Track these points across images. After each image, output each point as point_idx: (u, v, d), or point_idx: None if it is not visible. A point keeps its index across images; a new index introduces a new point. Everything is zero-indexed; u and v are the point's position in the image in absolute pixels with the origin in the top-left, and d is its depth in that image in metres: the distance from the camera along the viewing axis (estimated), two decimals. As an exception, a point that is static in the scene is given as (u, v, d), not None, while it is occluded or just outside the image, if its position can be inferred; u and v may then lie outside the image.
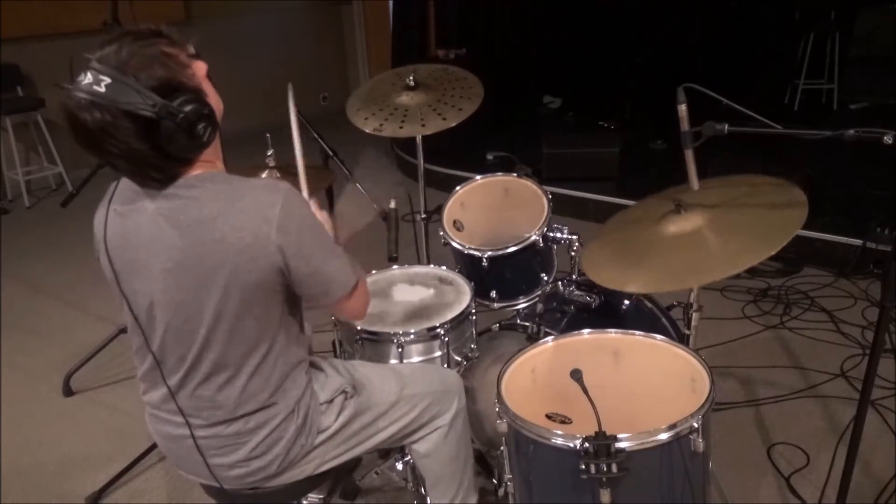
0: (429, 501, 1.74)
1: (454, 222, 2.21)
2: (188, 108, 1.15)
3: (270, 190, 1.23)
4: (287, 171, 2.12)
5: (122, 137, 1.13)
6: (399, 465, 2.02)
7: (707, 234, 1.45)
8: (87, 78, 1.10)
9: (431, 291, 2.00)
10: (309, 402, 1.41)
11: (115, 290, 1.33)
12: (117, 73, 1.10)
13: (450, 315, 1.84)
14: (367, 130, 2.25)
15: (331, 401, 1.46)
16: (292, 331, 1.37)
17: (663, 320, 2.05)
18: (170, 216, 1.22)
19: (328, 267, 1.31)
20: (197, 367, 1.30)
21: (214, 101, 1.25)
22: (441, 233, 2.16)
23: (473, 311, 1.93)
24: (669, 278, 1.42)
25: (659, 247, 1.49)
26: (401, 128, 2.22)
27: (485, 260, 2.03)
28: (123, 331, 2.92)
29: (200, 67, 1.24)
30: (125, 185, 1.29)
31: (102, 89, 1.09)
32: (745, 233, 1.42)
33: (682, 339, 1.81)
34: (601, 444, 1.25)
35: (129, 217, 1.26)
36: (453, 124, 2.21)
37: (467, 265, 2.12)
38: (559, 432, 1.32)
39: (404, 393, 1.57)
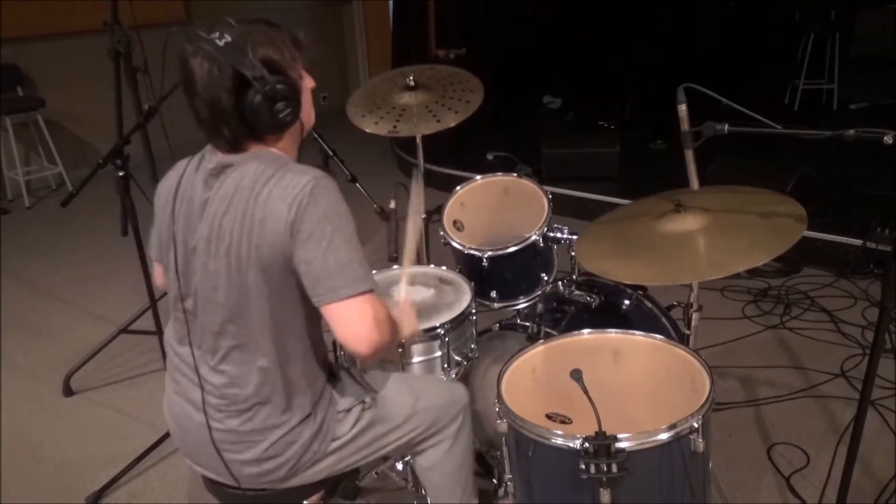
0: (429, 502, 1.74)
1: (454, 222, 2.22)
2: (279, 86, 1.25)
3: (301, 172, 1.28)
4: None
5: (215, 86, 1.24)
6: (399, 465, 2.02)
7: (703, 237, 1.44)
8: (215, 33, 1.24)
9: (431, 291, 2.00)
10: (327, 407, 1.41)
11: (166, 234, 1.39)
12: (240, 38, 1.24)
13: (450, 315, 1.84)
14: (382, 133, 2.25)
15: (349, 409, 1.45)
16: (316, 333, 1.38)
17: (663, 320, 2.05)
18: (220, 187, 1.30)
19: (335, 259, 1.24)
20: (220, 340, 1.33)
21: (307, 108, 1.37)
22: (441, 233, 2.16)
23: (473, 311, 1.93)
24: (666, 273, 1.42)
25: (656, 243, 1.49)
26: (416, 126, 2.22)
27: (485, 260, 2.03)
28: (123, 330, 2.93)
29: (309, 80, 1.38)
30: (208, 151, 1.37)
31: (221, 43, 1.23)
32: (741, 238, 1.42)
33: (682, 339, 1.81)
34: (601, 444, 1.25)
35: (198, 177, 1.34)
36: (464, 118, 2.22)
37: (467, 265, 2.12)
38: (559, 432, 1.33)
39: (418, 406, 1.56)
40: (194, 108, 1.28)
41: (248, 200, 1.26)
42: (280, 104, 1.26)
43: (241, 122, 1.27)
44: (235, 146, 1.31)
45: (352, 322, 1.26)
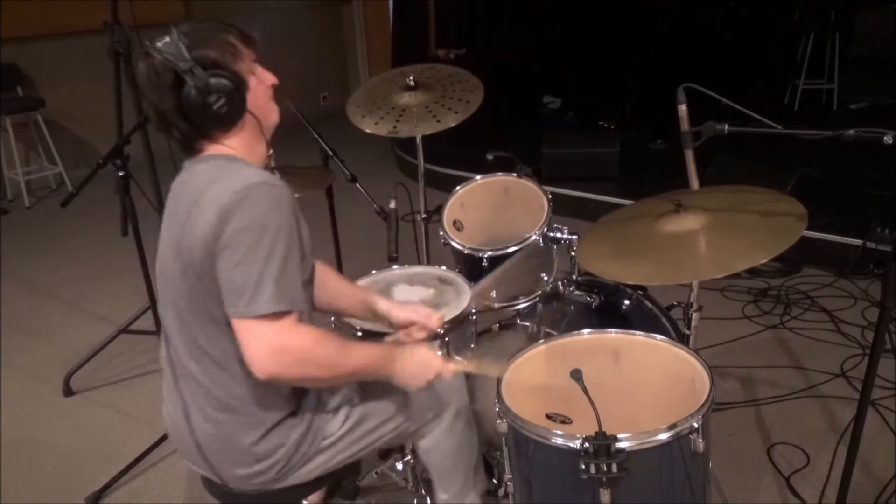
0: (428, 501, 1.74)
1: (454, 222, 2.21)
2: (212, 79, 1.24)
3: (243, 179, 1.22)
4: (286, 171, 2.12)
5: (156, 88, 1.25)
6: (399, 465, 2.02)
7: (704, 236, 1.44)
8: (164, 36, 1.24)
9: (431, 291, 2.00)
10: (314, 408, 1.41)
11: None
12: (179, 37, 1.23)
13: (450, 315, 1.84)
14: (382, 134, 2.24)
15: (338, 408, 1.46)
16: None
17: (663, 320, 2.05)
18: (179, 189, 1.32)
19: (244, 275, 1.18)
20: (182, 343, 1.33)
21: (263, 104, 1.34)
22: (441, 233, 2.16)
23: (473, 310, 1.93)
24: (667, 273, 1.42)
25: (657, 243, 1.49)
26: (416, 126, 2.22)
27: (485, 260, 2.03)
28: (123, 330, 2.93)
29: (266, 77, 1.35)
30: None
31: (159, 45, 1.23)
32: (742, 237, 1.42)
33: (682, 339, 1.81)
34: (601, 444, 1.25)
35: (178, 184, 1.36)
36: (464, 118, 2.22)
37: (467, 265, 2.11)
38: (559, 432, 1.32)
39: (409, 398, 1.56)
40: (149, 116, 1.30)
41: (190, 205, 1.25)
42: (213, 97, 1.24)
43: (184, 120, 1.27)
44: (190, 148, 1.32)
45: (246, 342, 1.20)
